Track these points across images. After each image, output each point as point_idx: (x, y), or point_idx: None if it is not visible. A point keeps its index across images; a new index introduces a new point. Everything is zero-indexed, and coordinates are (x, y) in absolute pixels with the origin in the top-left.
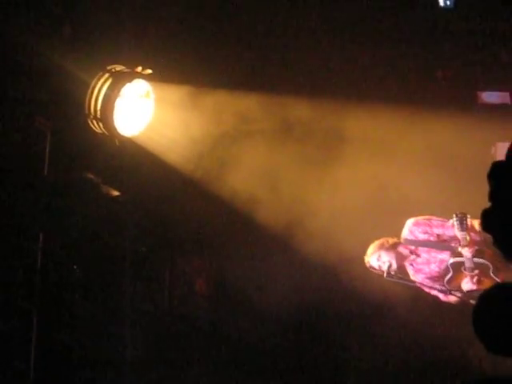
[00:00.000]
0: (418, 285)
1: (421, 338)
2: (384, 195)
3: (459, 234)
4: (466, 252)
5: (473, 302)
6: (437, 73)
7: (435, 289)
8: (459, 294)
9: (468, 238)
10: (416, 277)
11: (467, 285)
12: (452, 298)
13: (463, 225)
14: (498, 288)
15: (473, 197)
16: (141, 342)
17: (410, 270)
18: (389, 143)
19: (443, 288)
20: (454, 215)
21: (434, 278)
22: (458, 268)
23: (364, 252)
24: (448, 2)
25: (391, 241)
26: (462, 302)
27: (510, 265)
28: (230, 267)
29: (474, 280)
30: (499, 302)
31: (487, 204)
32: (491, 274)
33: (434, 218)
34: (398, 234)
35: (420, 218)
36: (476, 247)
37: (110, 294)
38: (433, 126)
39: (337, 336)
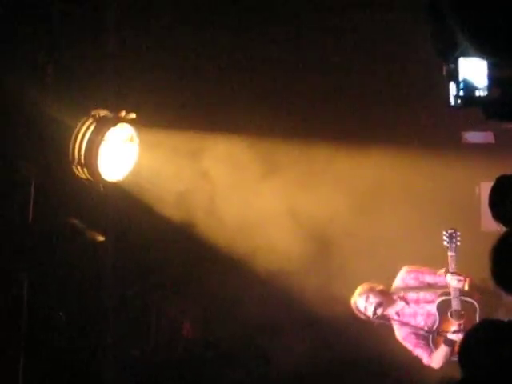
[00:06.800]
0: (402, 342)
1: None
2: (367, 237)
3: (448, 253)
4: (453, 280)
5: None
6: (421, 114)
7: (419, 346)
8: (444, 338)
9: (455, 261)
10: (400, 332)
11: (454, 335)
12: (435, 361)
13: (452, 243)
14: (485, 325)
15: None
16: None
17: (396, 325)
18: (371, 184)
19: (429, 334)
20: (444, 232)
21: (418, 334)
22: (444, 311)
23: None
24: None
25: (378, 287)
26: (444, 370)
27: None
28: (216, 310)
29: (461, 327)
30: (486, 340)
31: (472, 243)
32: (477, 319)
33: (426, 268)
34: (385, 280)
35: (412, 267)
36: (466, 283)
37: (95, 340)
38: (417, 166)
39: None
